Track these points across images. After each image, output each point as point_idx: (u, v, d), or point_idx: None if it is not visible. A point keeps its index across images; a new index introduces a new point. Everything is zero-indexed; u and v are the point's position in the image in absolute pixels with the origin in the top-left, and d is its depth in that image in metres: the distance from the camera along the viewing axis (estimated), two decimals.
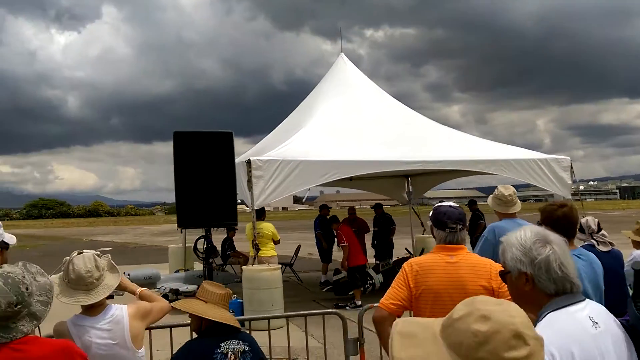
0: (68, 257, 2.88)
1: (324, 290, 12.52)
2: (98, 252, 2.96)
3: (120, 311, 2.89)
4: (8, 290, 2.16)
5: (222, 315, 3.09)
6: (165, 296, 12.17)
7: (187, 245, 15.27)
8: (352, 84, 12.50)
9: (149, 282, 11.76)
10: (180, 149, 4.63)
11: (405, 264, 3.30)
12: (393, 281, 3.29)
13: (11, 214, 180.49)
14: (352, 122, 11.33)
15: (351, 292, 10.92)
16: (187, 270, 13.64)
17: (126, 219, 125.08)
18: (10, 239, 2.77)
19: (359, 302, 10.70)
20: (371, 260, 15.41)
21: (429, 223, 3.38)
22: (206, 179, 4.58)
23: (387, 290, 3.25)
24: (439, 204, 3.40)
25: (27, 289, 2.23)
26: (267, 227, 11.07)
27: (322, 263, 13.83)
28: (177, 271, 13.30)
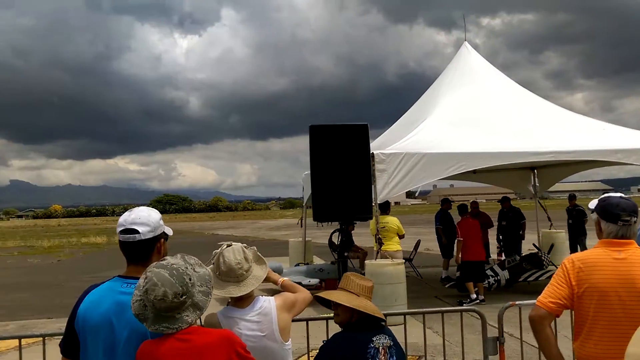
0: (217, 250, 2.92)
1: (446, 286, 12.20)
2: (245, 245, 2.98)
3: (268, 303, 2.88)
4: (174, 282, 2.18)
5: (375, 309, 3.03)
6: None
7: (306, 239, 15.55)
8: (477, 73, 12.02)
9: None
10: (316, 143, 4.61)
11: (565, 260, 3.04)
12: (552, 278, 3.04)
13: None
14: (478, 112, 10.88)
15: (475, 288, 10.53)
16: (307, 264, 13.83)
17: (244, 214, 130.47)
18: (169, 230, 2.85)
19: (474, 297, 10.32)
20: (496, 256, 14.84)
21: (594, 216, 3.09)
22: (342, 172, 4.52)
23: (546, 288, 3.01)
24: (607, 195, 3.10)
25: (190, 279, 2.25)
26: (392, 221, 10.94)
27: (443, 258, 13.48)
28: (297, 264, 13.51)
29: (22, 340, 8.80)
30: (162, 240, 2.60)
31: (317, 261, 16.08)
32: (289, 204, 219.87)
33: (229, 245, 2.91)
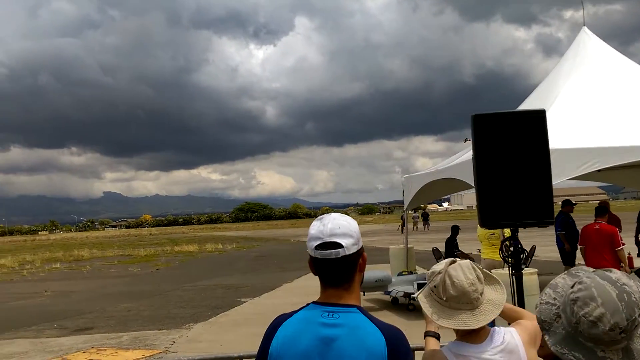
0: (436, 267, 2.29)
1: None
2: (471, 260, 2.35)
3: (511, 336, 2.22)
4: (620, 308, 1.42)
5: None
6: (395, 300, 11.86)
7: (408, 246, 14.88)
8: (599, 60, 10.94)
9: (380, 284, 11.47)
10: (481, 135, 3.99)
11: None
12: None
13: (222, 218, 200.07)
14: (605, 102, 9.84)
15: None
16: (410, 272, 13.15)
17: None
18: None
19: None
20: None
21: None
22: (514, 169, 3.86)
23: None
24: None
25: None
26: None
27: (564, 266, 12.38)
28: (401, 274, 12.84)
29: (141, 353, 8.73)
30: (365, 254, 2.05)
31: (419, 270, 15.34)
32: (366, 209, 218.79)
33: (452, 262, 2.27)
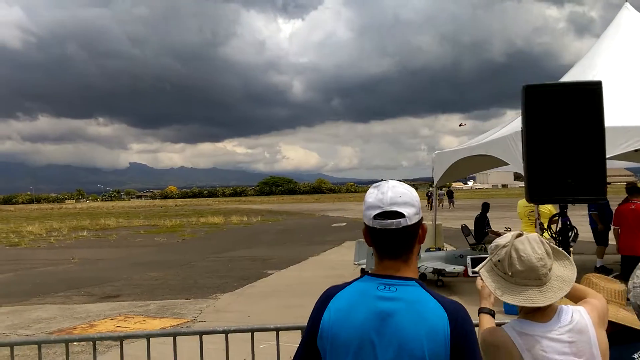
0: (501, 241, 2.09)
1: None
2: (538, 234, 2.14)
3: (579, 315, 2.02)
4: None
5: (634, 319, 2.21)
6: (423, 276, 11.69)
7: (436, 222, 14.65)
8: None
9: None
10: (533, 107, 3.74)
11: None
12: None
13: (247, 191, 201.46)
14: None
15: None
16: (438, 249, 12.96)
17: (348, 196, 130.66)
18: None
19: None
20: None
21: None
22: (566, 143, 3.61)
23: None
24: None
25: None
26: (545, 205, 9.78)
27: (598, 246, 12.06)
28: (428, 250, 12.63)
29: (168, 322, 8.74)
30: (425, 225, 1.87)
31: (447, 247, 15.14)
32: None
33: (519, 235, 2.07)
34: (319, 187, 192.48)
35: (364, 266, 11.29)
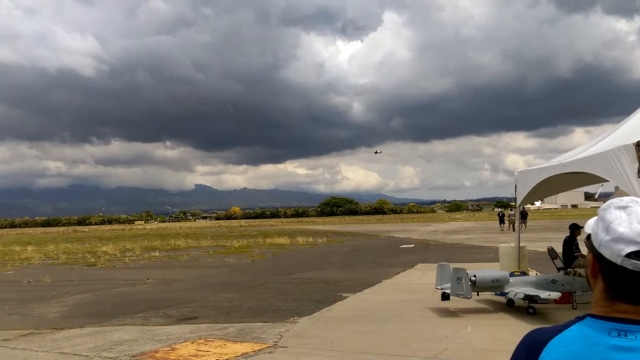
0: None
1: None
2: None
3: None
4: None
5: None
6: (510, 302, 11.02)
7: (520, 245, 13.90)
8: None
9: (497, 285, 10.67)
10: None
11: None
12: None
13: (308, 212, 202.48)
14: None
15: None
16: (523, 273, 12.21)
17: (410, 217, 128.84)
18: None
19: None
20: None
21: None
22: None
23: None
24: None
25: None
26: None
27: None
28: (513, 274, 11.92)
29: (250, 346, 8.50)
30: None
31: (531, 271, 14.32)
32: (454, 206, 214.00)
33: None
34: (380, 208, 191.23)
35: (447, 291, 10.74)
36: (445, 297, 11.12)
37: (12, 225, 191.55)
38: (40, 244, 48.79)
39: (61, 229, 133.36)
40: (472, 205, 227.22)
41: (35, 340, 9.52)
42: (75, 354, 8.36)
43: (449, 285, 10.67)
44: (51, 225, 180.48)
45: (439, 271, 11.36)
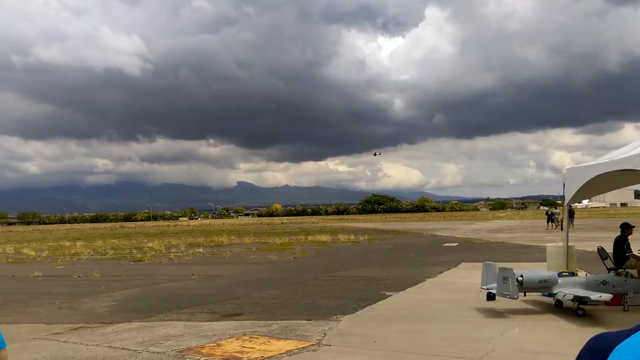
0: None
1: None
2: None
3: None
4: None
5: None
6: (559, 303, 10.74)
7: (569, 244, 13.52)
8: None
9: (545, 285, 10.42)
10: None
11: None
12: None
13: (349, 209, 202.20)
14: None
15: None
16: (572, 273, 11.86)
17: (453, 214, 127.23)
18: None
19: None
20: None
21: None
22: None
23: None
24: None
25: None
26: None
27: None
28: (561, 274, 11.60)
29: (294, 344, 8.54)
30: None
31: (580, 272, 13.92)
32: (498, 204, 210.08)
33: None
34: (422, 206, 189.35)
35: (493, 291, 10.54)
36: (490, 297, 10.93)
37: (62, 221, 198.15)
38: (89, 239, 50.25)
39: (108, 224, 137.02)
40: (516, 204, 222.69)
41: (86, 334, 9.80)
42: (124, 348, 8.57)
43: (495, 285, 10.48)
44: (99, 221, 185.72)
45: (485, 271, 11.17)
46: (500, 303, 10.76)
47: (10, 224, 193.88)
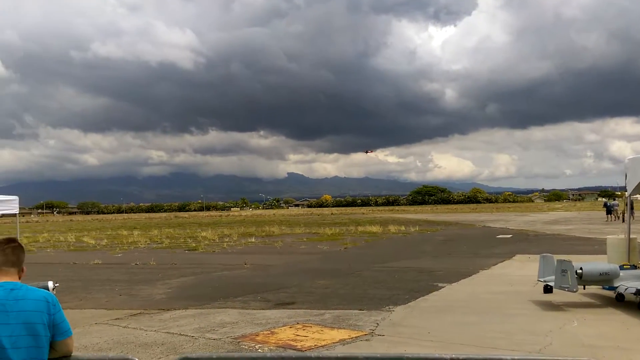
0: None
1: None
2: None
3: None
4: None
5: None
6: (620, 296, 10.37)
7: (631, 236, 13.03)
8: None
9: (605, 278, 10.09)
10: None
11: None
12: None
13: (399, 200, 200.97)
14: None
15: None
16: (634, 266, 11.41)
17: (506, 206, 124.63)
18: None
19: None
20: None
21: None
22: None
23: None
24: None
25: None
26: None
27: None
28: (622, 267, 11.18)
29: (347, 333, 8.58)
30: None
31: None
32: (554, 196, 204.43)
33: None
34: (474, 197, 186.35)
35: (550, 283, 10.28)
36: (547, 289, 10.67)
37: (119, 211, 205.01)
38: (145, 228, 51.82)
39: (163, 214, 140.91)
40: (573, 195, 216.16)
41: (144, 320, 10.12)
42: (182, 334, 8.80)
43: (553, 277, 10.21)
44: (154, 211, 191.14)
45: (542, 263, 10.90)
46: (557, 296, 10.49)
47: (70, 213, 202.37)
